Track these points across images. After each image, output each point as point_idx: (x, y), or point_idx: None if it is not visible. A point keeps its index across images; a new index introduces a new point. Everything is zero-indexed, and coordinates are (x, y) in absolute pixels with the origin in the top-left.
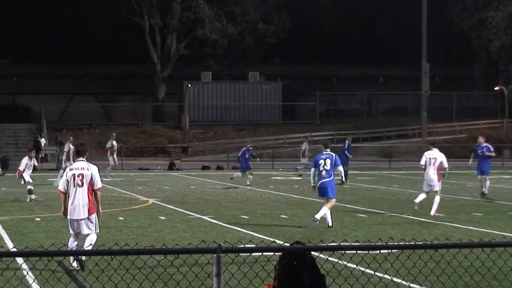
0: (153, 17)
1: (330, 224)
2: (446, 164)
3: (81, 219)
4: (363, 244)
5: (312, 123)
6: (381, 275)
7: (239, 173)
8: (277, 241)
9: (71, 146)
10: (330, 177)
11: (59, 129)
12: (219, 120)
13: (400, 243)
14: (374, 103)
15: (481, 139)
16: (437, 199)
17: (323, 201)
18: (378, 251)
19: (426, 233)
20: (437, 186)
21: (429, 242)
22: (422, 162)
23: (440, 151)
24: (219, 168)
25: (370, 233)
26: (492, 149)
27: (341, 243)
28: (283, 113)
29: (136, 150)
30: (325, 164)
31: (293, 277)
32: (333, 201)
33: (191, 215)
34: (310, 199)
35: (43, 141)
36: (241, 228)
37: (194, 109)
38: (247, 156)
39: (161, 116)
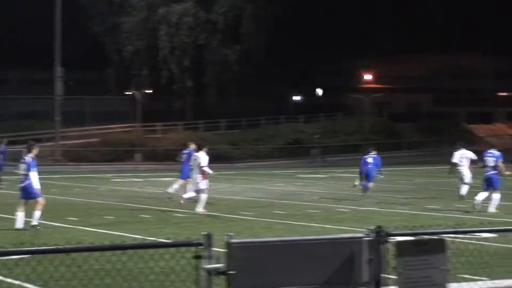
0: None
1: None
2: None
3: None
4: None
5: None
6: (11, 280)
7: None
8: None
9: None
10: (29, 179)
11: None
12: None
13: (22, 249)
14: (5, 107)
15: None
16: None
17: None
18: (8, 257)
19: (58, 237)
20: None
21: (60, 246)
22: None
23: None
24: None
25: (4, 239)
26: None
27: None
28: None
29: None
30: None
31: None
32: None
33: None
34: None
35: None
36: None
37: None
38: None
39: None
